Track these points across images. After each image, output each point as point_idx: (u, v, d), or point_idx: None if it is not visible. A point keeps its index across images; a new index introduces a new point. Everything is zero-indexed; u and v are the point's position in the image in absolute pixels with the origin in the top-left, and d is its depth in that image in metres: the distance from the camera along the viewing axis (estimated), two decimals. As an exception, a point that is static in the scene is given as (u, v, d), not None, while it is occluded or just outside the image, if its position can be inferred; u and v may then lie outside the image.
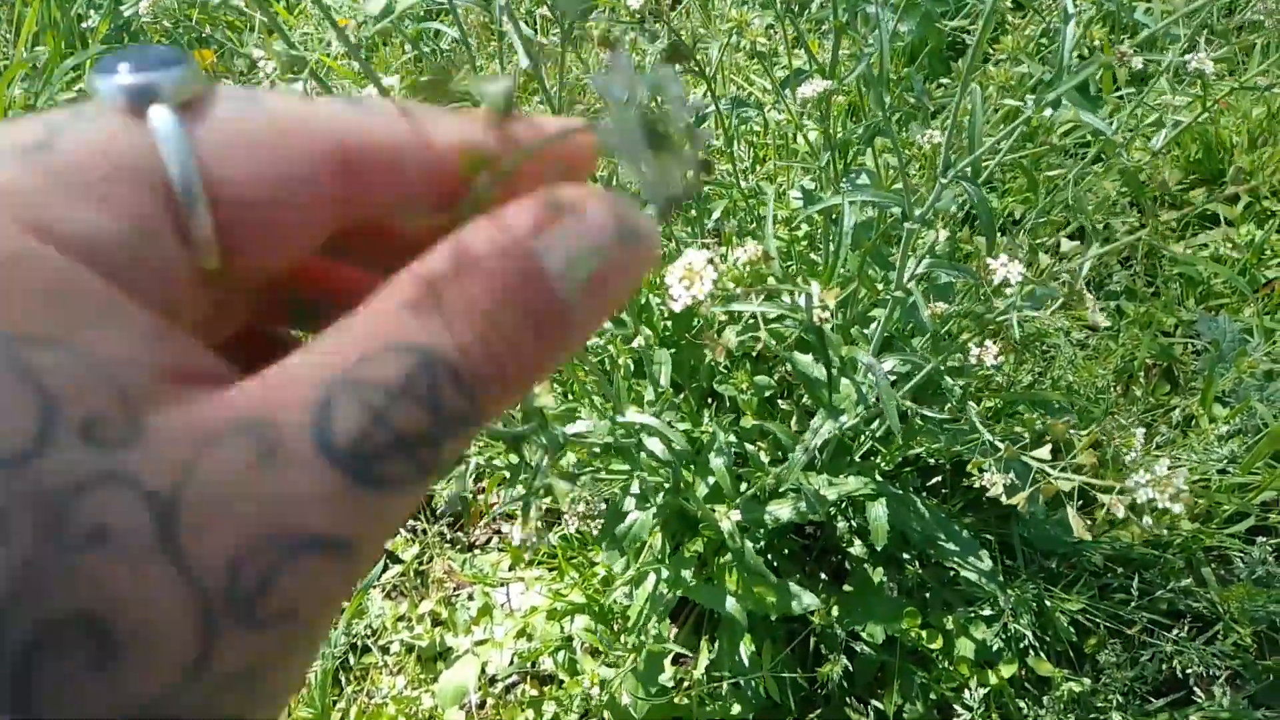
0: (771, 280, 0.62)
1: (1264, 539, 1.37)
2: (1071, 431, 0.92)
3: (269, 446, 0.18)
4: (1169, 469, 0.64)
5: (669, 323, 1.44)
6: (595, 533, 1.29)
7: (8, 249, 0.17)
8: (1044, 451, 0.79)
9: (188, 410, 0.18)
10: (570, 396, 1.25)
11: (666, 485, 1.08)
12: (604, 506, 1.18)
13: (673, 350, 1.42)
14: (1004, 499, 0.83)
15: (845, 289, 1.02)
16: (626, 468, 1.05)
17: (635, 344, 0.97)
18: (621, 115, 0.20)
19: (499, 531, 1.60)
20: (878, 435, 1.36)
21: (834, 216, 1.14)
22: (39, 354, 0.17)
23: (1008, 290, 0.76)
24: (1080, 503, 1.45)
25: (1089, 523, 0.70)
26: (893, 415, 0.90)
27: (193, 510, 0.17)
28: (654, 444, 0.92)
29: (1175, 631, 1.31)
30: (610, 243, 0.21)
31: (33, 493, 0.16)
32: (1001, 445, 0.82)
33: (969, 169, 0.87)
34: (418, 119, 0.22)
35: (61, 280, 0.17)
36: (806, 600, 1.22)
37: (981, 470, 0.87)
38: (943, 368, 1.03)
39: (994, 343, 0.86)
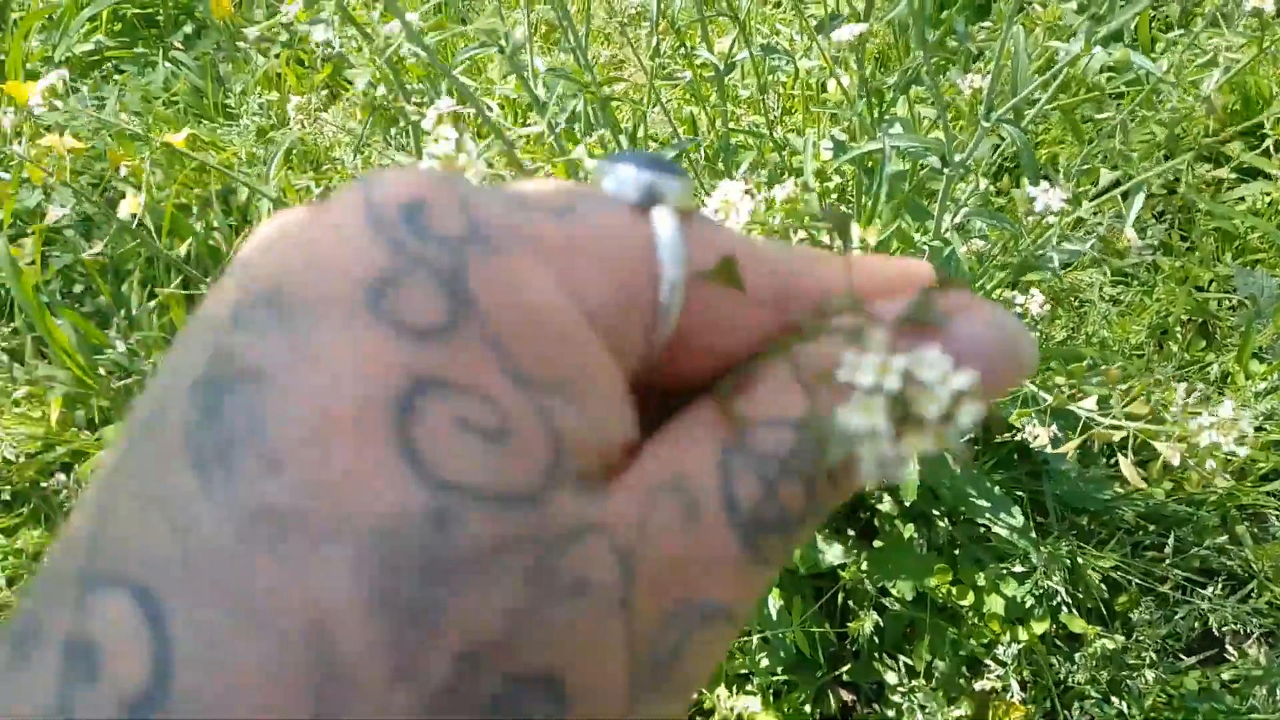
0: (809, 218, 0.61)
1: (1301, 497, 1.36)
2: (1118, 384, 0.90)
3: (692, 506, 0.18)
4: (1234, 410, 0.63)
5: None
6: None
7: (543, 299, 0.18)
8: (1090, 402, 0.77)
9: (635, 476, 0.18)
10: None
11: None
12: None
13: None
14: (1049, 450, 0.81)
15: (885, 230, 1.00)
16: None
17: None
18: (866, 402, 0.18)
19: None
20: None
21: (870, 164, 1.12)
22: (556, 402, 0.17)
23: (1049, 219, 0.74)
24: (1112, 460, 1.43)
25: (1142, 473, 0.68)
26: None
27: (646, 567, 0.17)
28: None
29: (1209, 589, 1.30)
30: (987, 375, 0.19)
31: (533, 535, 0.16)
32: (1048, 396, 0.80)
33: (1011, 113, 0.85)
34: (834, 265, 0.23)
35: (579, 337, 0.18)
36: (834, 554, 1.21)
37: (1024, 423, 0.85)
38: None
39: (1039, 290, 0.84)
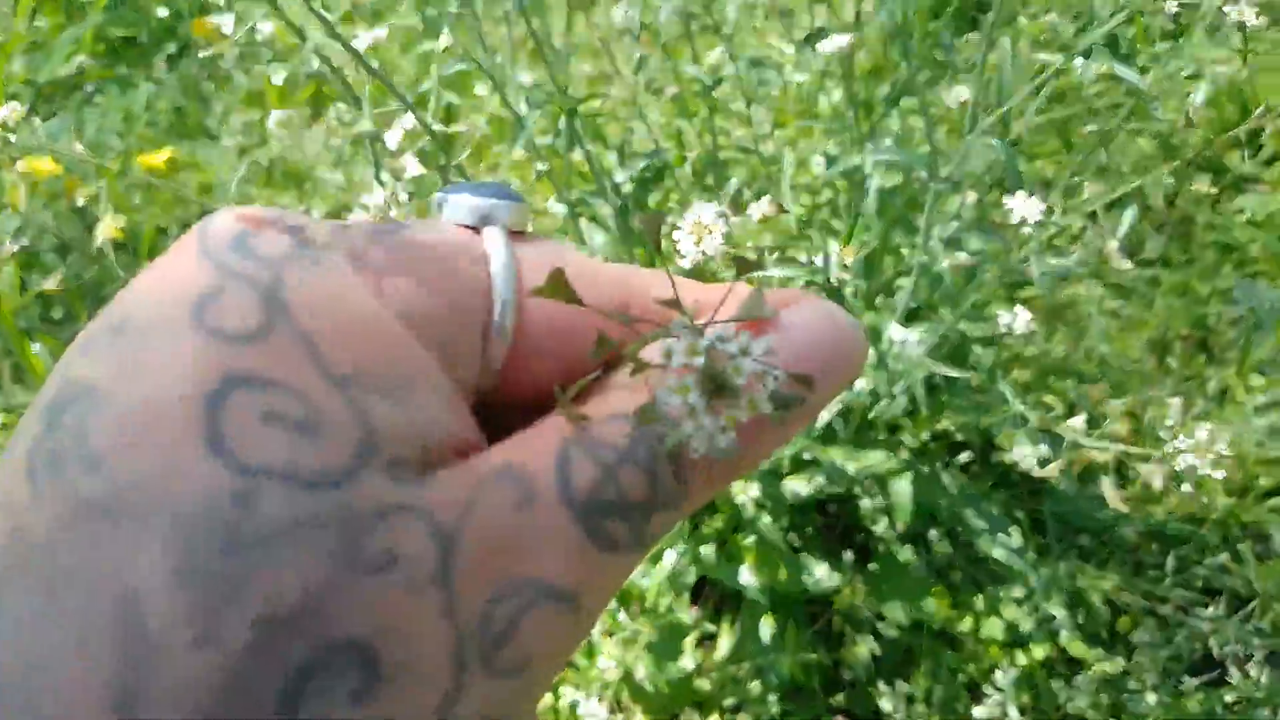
0: (787, 238, 0.58)
1: (1304, 515, 1.32)
2: (1107, 402, 0.87)
3: (526, 490, 0.19)
4: (1209, 434, 0.60)
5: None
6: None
7: (358, 307, 0.19)
8: (1077, 421, 0.74)
9: (465, 465, 0.20)
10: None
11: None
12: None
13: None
14: (1035, 472, 0.78)
15: (863, 249, 0.97)
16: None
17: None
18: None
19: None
20: (902, 410, 1.31)
21: (859, 179, 1.10)
22: (370, 398, 0.18)
23: (1025, 230, 0.71)
24: (1116, 477, 1.40)
25: (1124, 494, 0.65)
26: (918, 383, 0.86)
27: (469, 546, 0.18)
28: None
29: (1211, 609, 1.27)
30: (809, 349, 0.22)
31: (338, 514, 0.17)
32: (1032, 416, 0.78)
33: (998, 125, 0.83)
34: (681, 286, 0.23)
35: (395, 342, 0.19)
36: (820, 574, 1.18)
37: (1012, 443, 0.83)
38: (971, 335, 0.98)
39: (1024, 309, 0.81)
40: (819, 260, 0.62)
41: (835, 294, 0.67)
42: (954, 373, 0.89)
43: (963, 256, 0.86)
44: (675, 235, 0.55)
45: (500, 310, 0.21)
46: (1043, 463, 0.79)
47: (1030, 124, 1.10)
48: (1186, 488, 0.60)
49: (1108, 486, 0.65)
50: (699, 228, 0.57)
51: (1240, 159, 1.70)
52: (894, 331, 0.89)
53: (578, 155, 1.07)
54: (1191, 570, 1.31)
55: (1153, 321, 1.51)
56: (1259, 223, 1.65)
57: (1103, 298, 1.58)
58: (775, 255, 0.62)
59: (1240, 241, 1.66)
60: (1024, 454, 0.81)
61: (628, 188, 1.04)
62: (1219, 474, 0.63)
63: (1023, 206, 0.71)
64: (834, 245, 0.59)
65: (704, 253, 0.54)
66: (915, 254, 1.06)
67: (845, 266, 0.59)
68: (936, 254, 0.92)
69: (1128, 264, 0.76)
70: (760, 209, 0.62)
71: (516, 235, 0.23)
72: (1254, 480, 1.38)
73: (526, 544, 0.19)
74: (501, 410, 0.23)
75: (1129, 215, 0.88)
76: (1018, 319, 0.80)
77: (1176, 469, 0.61)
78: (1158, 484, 0.61)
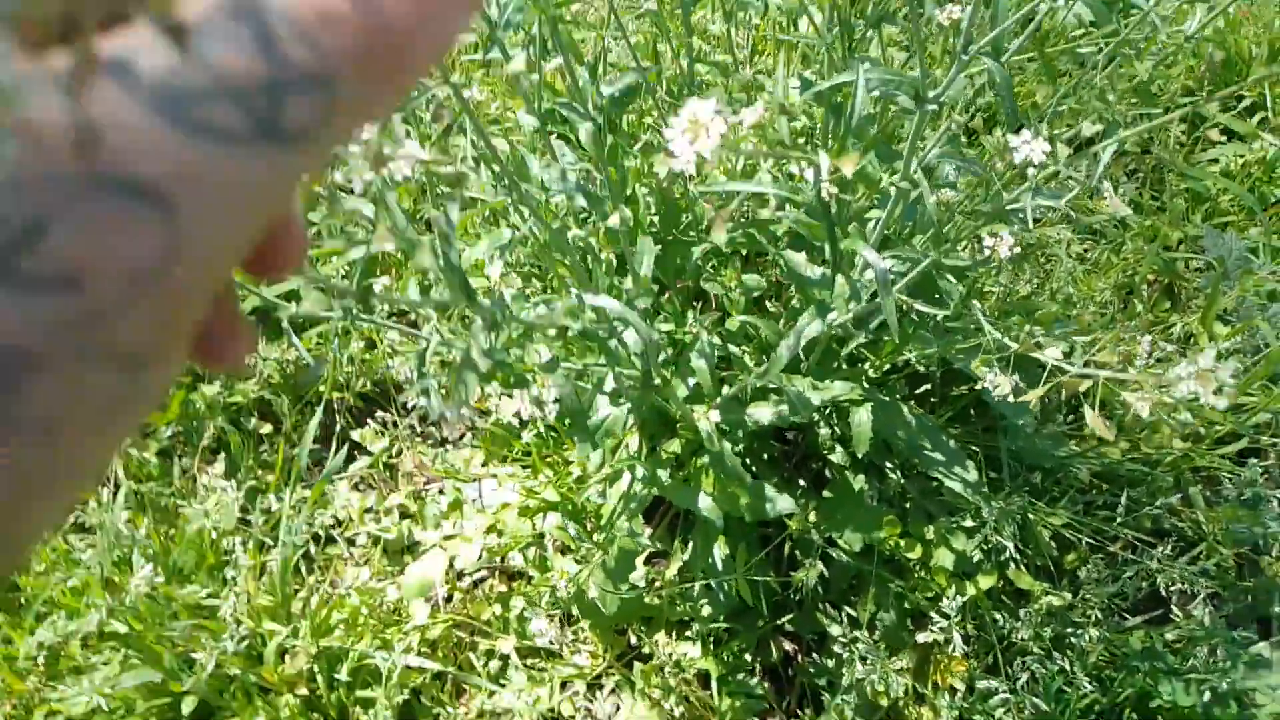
0: (780, 146, 0.56)
1: (1255, 460, 1.34)
2: (1075, 338, 0.87)
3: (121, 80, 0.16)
4: (1213, 359, 0.59)
5: (655, 218, 1.37)
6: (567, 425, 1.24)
7: None
8: (1055, 351, 0.74)
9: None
10: (550, 290, 1.19)
11: (639, 378, 1.03)
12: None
13: (658, 247, 1.36)
14: (1011, 399, 0.78)
15: (863, 158, 0.95)
16: (603, 362, 1.00)
17: (613, 222, 0.91)
18: None
19: (473, 427, 1.55)
20: (867, 340, 1.31)
21: (841, 99, 1.07)
22: None
23: (1029, 171, 0.70)
24: (1070, 418, 1.41)
25: (1109, 424, 0.65)
26: (890, 312, 0.85)
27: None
28: (629, 336, 0.86)
29: (1158, 550, 1.29)
30: None
31: None
32: (1013, 343, 0.77)
33: (990, 47, 0.80)
34: None
35: None
36: (783, 504, 1.18)
37: (986, 370, 0.82)
38: (944, 262, 0.97)
39: (1009, 233, 0.80)
40: (808, 173, 0.60)
41: (823, 210, 0.65)
42: (927, 307, 0.88)
43: (948, 193, 0.84)
44: (667, 134, 0.52)
45: None
46: (1018, 393, 0.78)
47: (1012, 62, 1.08)
48: (1185, 415, 0.59)
49: (1093, 416, 0.65)
50: (695, 125, 0.54)
51: (1218, 109, 1.69)
52: (868, 254, 0.87)
53: (550, 67, 1.03)
54: (1141, 511, 1.33)
55: (1120, 265, 1.51)
56: (1232, 173, 1.65)
57: (1070, 240, 1.58)
58: (769, 164, 0.60)
59: (1211, 191, 1.65)
60: (996, 383, 0.81)
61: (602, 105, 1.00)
62: (1221, 402, 0.62)
63: (1026, 146, 0.69)
64: (824, 157, 0.56)
65: (699, 153, 0.52)
66: (891, 181, 1.04)
67: (839, 175, 0.57)
68: (920, 182, 0.90)
69: (1122, 206, 0.74)
70: (753, 115, 0.59)
71: None
72: (1209, 426, 1.39)
73: (110, 132, 0.16)
74: None
75: (1108, 152, 0.86)
76: (1001, 243, 0.79)
77: (1171, 397, 0.60)
78: (1144, 413, 0.61)
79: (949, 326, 1.32)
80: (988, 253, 0.80)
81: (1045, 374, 0.70)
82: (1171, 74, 1.70)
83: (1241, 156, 1.66)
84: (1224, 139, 1.74)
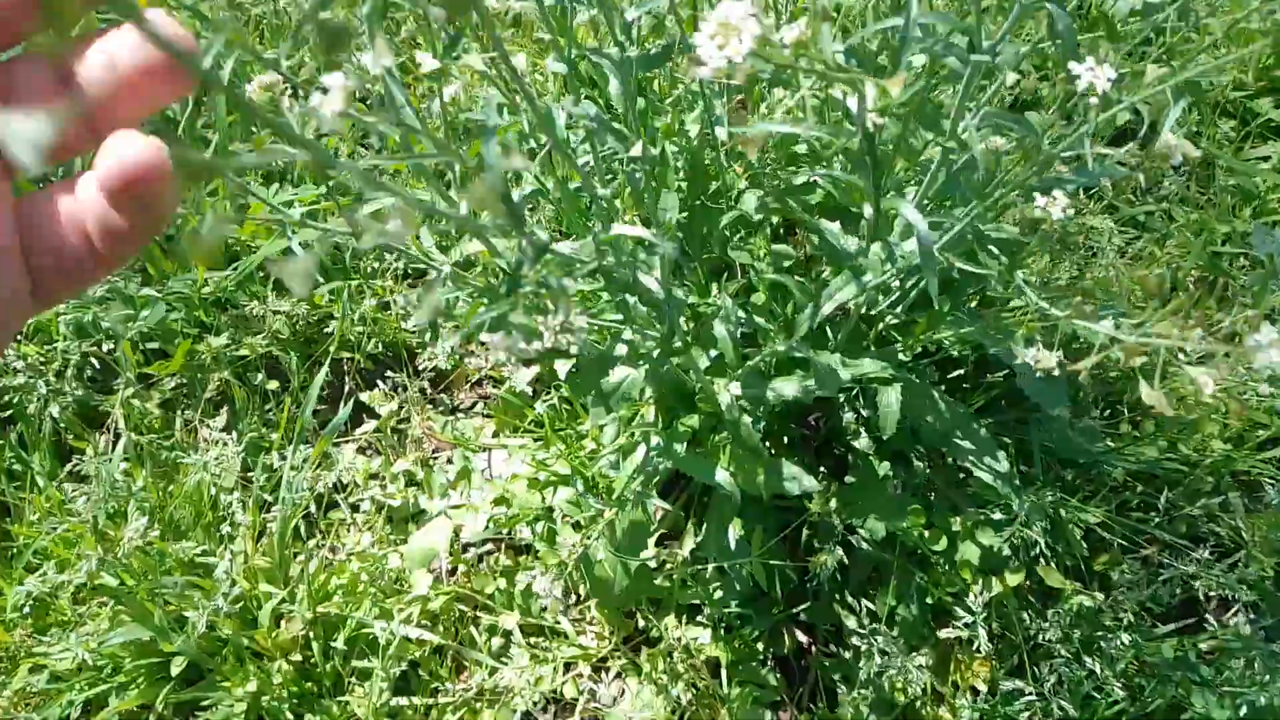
0: (822, 66, 0.50)
1: (1301, 466, 1.28)
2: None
3: None
4: None
5: (683, 184, 1.32)
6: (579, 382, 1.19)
7: None
8: (1107, 323, 0.68)
9: None
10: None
11: (659, 338, 0.98)
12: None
13: (685, 214, 1.30)
14: (1055, 373, 0.72)
15: (913, 85, 0.89)
16: (619, 317, 0.95)
17: (635, 152, 0.85)
18: None
19: (485, 397, 1.50)
20: (898, 321, 1.25)
21: (882, 61, 1.02)
22: None
23: (1092, 101, 0.64)
24: (1106, 413, 1.35)
25: (1167, 393, 0.59)
26: (932, 274, 0.80)
27: None
28: (649, 280, 0.81)
29: (1193, 556, 1.23)
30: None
31: None
32: (1059, 311, 0.71)
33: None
34: None
35: None
36: (805, 483, 1.12)
37: (1028, 344, 0.76)
38: (987, 233, 0.92)
39: (1062, 194, 0.74)
40: (851, 102, 0.55)
41: (868, 142, 0.59)
42: (970, 266, 0.83)
43: (998, 140, 0.79)
44: (695, 39, 0.47)
45: None
46: (1062, 366, 0.73)
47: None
48: (1265, 388, 0.54)
49: (1147, 389, 0.59)
50: (725, 29, 0.49)
51: (1271, 105, 1.62)
52: (909, 213, 0.82)
53: (581, 19, 0.99)
54: (1179, 513, 1.27)
55: (1164, 259, 1.45)
56: (1284, 169, 1.58)
57: (1111, 231, 1.52)
58: (811, 86, 0.55)
59: (1260, 188, 1.59)
60: (1037, 357, 0.75)
61: (632, 47, 0.95)
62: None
63: (1091, 74, 0.64)
64: (870, 85, 0.51)
65: (729, 59, 0.46)
66: (936, 144, 0.98)
67: (888, 98, 0.52)
68: (969, 140, 0.84)
69: (1192, 148, 0.69)
70: (793, 32, 0.54)
71: None
72: (1251, 429, 1.33)
73: None
74: None
75: (1179, 107, 0.80)
76: (1055, 203, 0.73)
77: (1248, 367, 0.55)
78: (1209, 390, 0.55)
79: (985, 309, 1.27)
80: (1039, 213, 0.74)
81: (1097, 346, 0.64)
82: (1225, 66, 1.64)
83: (1294, 154, 1.60)
84: (1275, 136, 1.67)
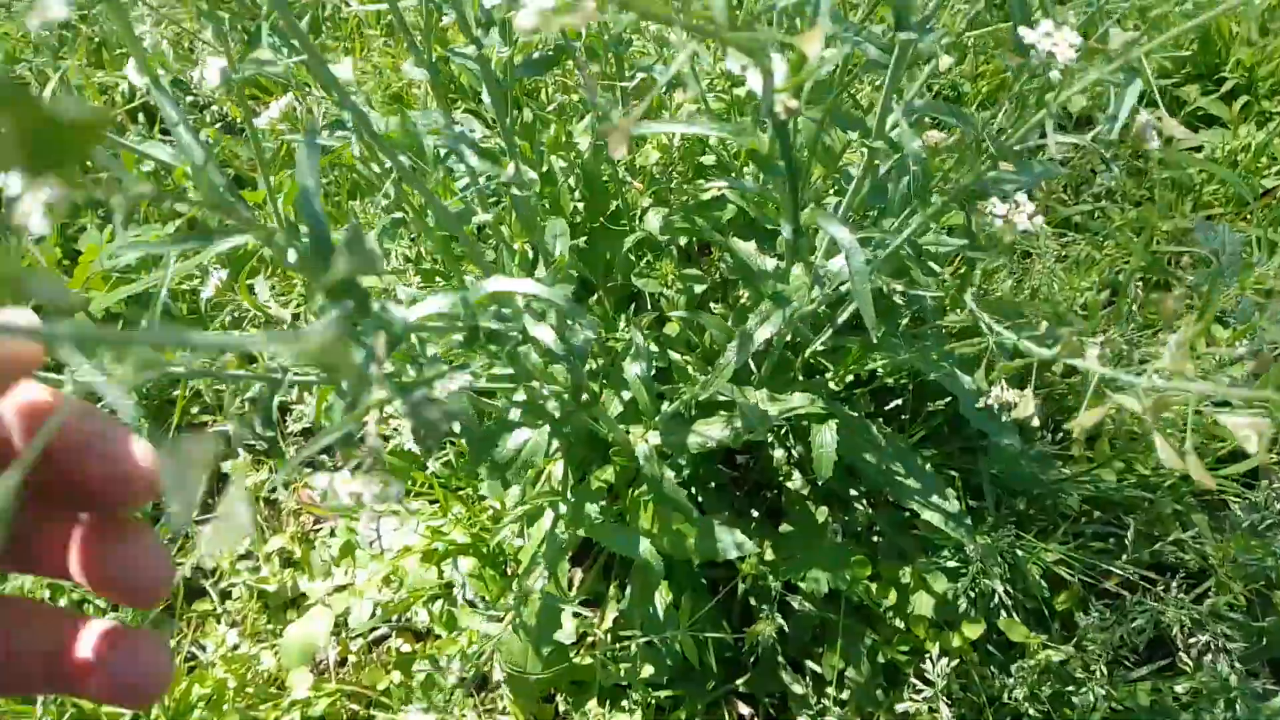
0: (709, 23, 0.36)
1: (1266, 482, 1.18)
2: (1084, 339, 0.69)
3: None
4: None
5: (580, 204, 1.17)
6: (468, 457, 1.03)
7: None
8: (1092, 355, 0.55)
9: None
10: (440, 280, 0.98)
11: (564, 394, 0.83)
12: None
13: (583, 239, 1.16)
14: (1034, 422, 0.59)
15: (807, 143, 0.76)
16: (510, 371, 0.79)
17: (509, 174, 0.70)
18: None
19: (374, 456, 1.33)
20: (826, 348, 1.12)
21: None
22: None
23: (1053, 70, 0.51)
24: (1057, 436, 1.23)
25: (1188, 453, 0.46)
26: (865, 297, 0.66)
27: None
28: (542, 332, 0.66)
29: (1159, 587, 1.12)
30: None
31: None
32: (1027, 342, 0.58)
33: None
34: None
35: None
36: (741, 545, 0.98)
37: (990, 385, 0.63)
38: (924, 245, 0.79)
39: (1027, 199, 0.61)
40: (754, 81, 0.39)
41: (781, 138, 0.45)
42: (908, 289, 0.69)
43: (936, 135, 0.66)
44: None
45: None
46: (1033, 409, 0.59)
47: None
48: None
49: (1169, 452, 0.45)
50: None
51: (1199, 92, 1.54)
52: (836, 231, 0.68)
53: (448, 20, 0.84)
54: (1142, 544, 1.16)
55: (1104, 261, 1.35)
56: (1218, 160, 1.49)
57: (1046, 235, 1.41)
58: (692, 52, 0.40)
59: (1194, 182, 1.50)
60: (1005, 401, 0.62)
61: (505, 48, 0.80)
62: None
63: (1048, 40, 0.51)
64: (777, 60, 0.36)
65: None
66: (860, 145, 0.85)
67: (802, 86, 0.37)
68: (901, 139, 0.71)
69: (1178, 126, 0.56)
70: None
71: None
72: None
73: None
74: None
75: (1132, 93, 0.68)
76: (1018, 212, 0.60)
77: None
78: (1253, 448, 0.42)
79: (920, 333, 1.14)
80: (997, 224, 0.61)
81: (1090, 389, 0.51)
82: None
83: (1226, 144, 1.51)
84: (1204, 125, 1.59)
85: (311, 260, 0.44)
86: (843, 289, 0.86)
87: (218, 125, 1.40)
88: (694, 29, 0.37)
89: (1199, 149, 1.54)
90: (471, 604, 1.11)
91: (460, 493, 1.21)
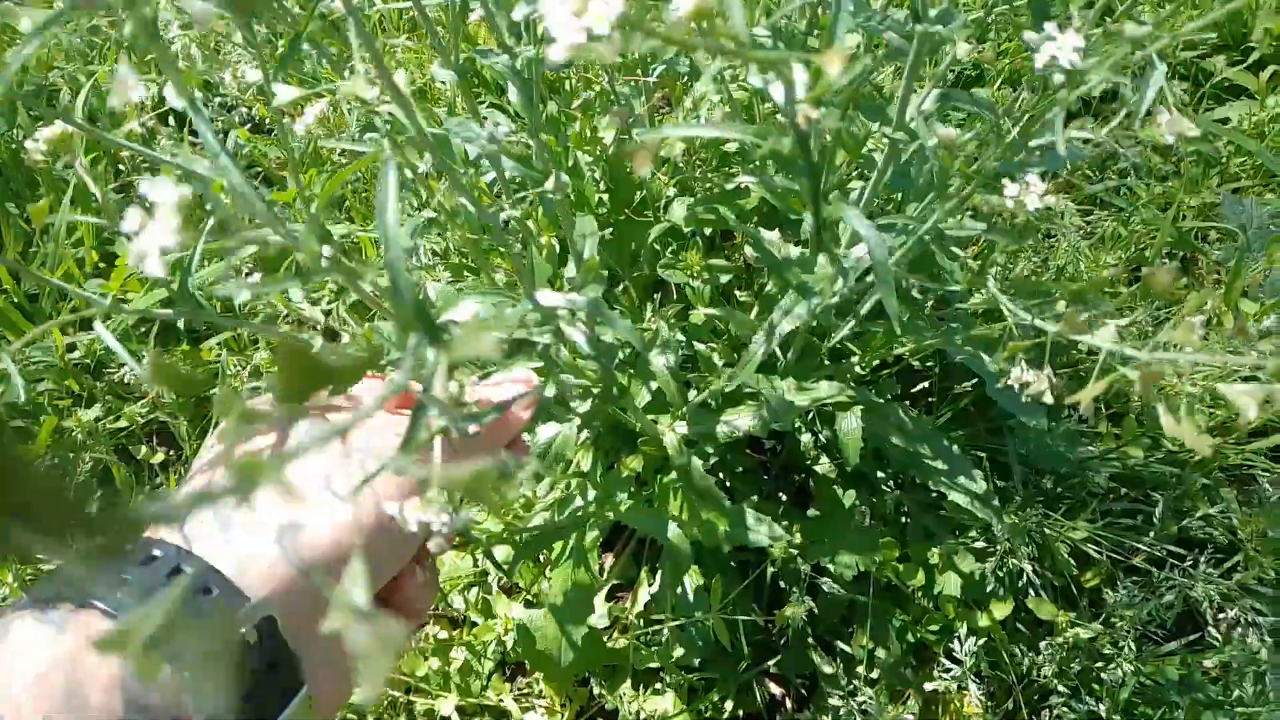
0: (733, 42, 0.37)
1: (1294, 456, 1.18)
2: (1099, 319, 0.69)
3: None
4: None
5: (604, 195, 1.18)
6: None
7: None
8: (1107, 334, 0.56)
9: None
10: (469, 275, 1.00)
11: (595, 389, 0.85)
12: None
13: (608, 229, 1.17)
14: (1050, 400, 0.60)
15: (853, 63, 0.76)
16: (540, 365, 0.81)
17: (549, 186, 0.72)
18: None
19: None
20: (853, 333, 1.13)
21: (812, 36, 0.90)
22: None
23: (1057, 78, 0.52)
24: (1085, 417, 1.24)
25: (1200, 432, 0.47)
26: (889, 289, 0.67)
27: None
28: (575, 334, 0.68)
29: (1187, 563, 1.12)
30: None
31: None
32: (1047, 324, 0.59)
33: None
34: None
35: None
36: (771, 531, 1.00)
37: (1009, 365, 0.64)
38: (947, 230, 0.79)
39: (1036, 178, 0.62)
40: (776, 91, 0.41)
41: (799, 142, 0.46)
42: (930, 283, 0.70)
43: (951, 131, 0.66)
44: (541, 3, 0.33)
45: None
46: (1054, 390, 0.61)
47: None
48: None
49: (1172, 421, 0.47)
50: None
51: (1226, 63, 1.53)
52: (856, 221, 0.69)
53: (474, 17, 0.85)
54: (1169, 519, 1.16)
55: (1129, 238, 1.34)
56: (1245, 132, 1.48)
57: (1069, 210, 1.41)
58: (718, 69, 0.41)
59: (1219, 157, 1.49)
60: (1025, 380, 0.63)
61: (529, 47, 0.82)
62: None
63: (1052, 45, 0.51)
64: (799, 69, 0.37)
65: (589, 29, 0.32)
66: (882, 134, 0.86)
67: (824, 97, 0.38)
68: (919, 130, 0.72)
69: (1189, 124, 0.57)
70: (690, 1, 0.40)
71: None
72: (1237, 417, 1.23)
73: None
74: None
75: (1159, 74, 0.68)
76: (1029, 190, 0.61)
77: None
78: (1251, 415, 0.43)
79: (945, 315, 1.15)
80: (1010, 203, 0.62)
81: (1098, 369, 0.52)
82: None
83: (1253, 115, 1.50)
84: (1231, 96, 1.58)
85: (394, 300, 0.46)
86: (867, 279, 0.87)
87: (247, 125, 1.42)
88: (718, 50, 0.38)
89: (1225, 121, 1.53)
90: (505, 591, 1.13)
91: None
